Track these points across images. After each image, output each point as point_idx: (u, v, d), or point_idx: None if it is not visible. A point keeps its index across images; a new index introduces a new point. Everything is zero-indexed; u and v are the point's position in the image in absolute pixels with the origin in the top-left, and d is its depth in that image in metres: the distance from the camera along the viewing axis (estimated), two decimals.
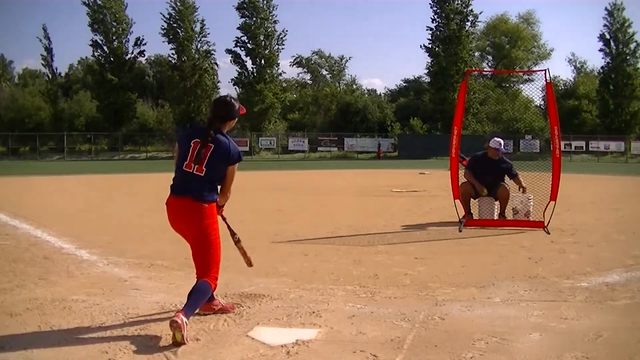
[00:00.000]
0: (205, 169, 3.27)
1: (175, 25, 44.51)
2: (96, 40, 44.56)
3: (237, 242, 3.66)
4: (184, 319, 3.00)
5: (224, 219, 3.61)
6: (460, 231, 6.93)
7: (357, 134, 46.24)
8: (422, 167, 24.69)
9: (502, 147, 7.63)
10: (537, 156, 35.36)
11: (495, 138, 7.80)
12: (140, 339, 3.09)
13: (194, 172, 3.28)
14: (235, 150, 3.38)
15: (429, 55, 47.08)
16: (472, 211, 7.60)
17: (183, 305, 3.15)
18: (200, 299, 3.25)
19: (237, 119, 3.52)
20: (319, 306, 3.70)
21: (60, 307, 3.68)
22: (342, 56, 62.72)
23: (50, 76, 47.34)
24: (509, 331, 3.20)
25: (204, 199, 3.28)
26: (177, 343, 2.97)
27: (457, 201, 7.40)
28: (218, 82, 47.90)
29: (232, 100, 3.50)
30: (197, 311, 3.37)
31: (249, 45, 45.05)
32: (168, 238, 6.02)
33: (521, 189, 7.46)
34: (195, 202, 3.26)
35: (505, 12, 63.30)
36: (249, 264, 3.77)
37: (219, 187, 3.42)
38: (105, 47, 44.76)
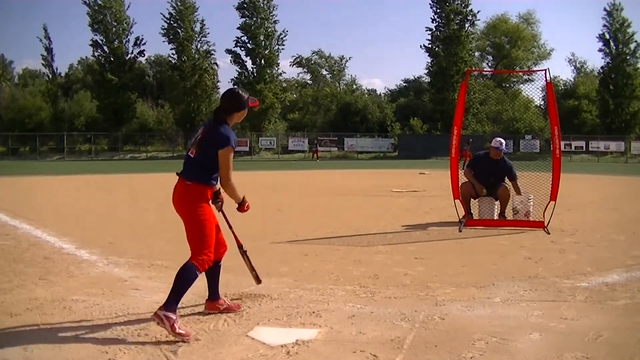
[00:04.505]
0: (195, 151, 3.34)
1: (175, 25, 44.48)
2: (96, 40, 44.54)
3: (243, 253, 3.64)
4: (160, 312, 3.04)
5: (223, 214, 3.57)
6: (460, 231, 6.93)
7: (357, 134, 46.24)
8: (422, 167, 24.68)
9: (503, 146, 7.62)
10: (537, 156, 35.38)
11: (497, 138, 7.78)
12: (140, 339, 3.09)
13: (189, 154, 3.40)
14: (225, 135, 3.28)
15: (429, 55, 47.08)
16: (472, 211, 7.60)
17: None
18: (181, 284, 3.16)
19: (246, 110, 3.45)
20: (319, 306, 3.70)
21: (60, 307, 3.68)
22: (342, 56, 62.81)
23: (50, 76, 47.29)
24: (509, 331, 3.20)
25: (190, 178, 3.31)
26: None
27: (457, 201, 7.40)
28: (218, 82, 47.93)
29: (239, 92, 3.46)
30: (204, 310, 3.53)
31: (249, 45, 45.02)
32: (168, 238, 6.05)
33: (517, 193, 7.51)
34: (183, 182, 3.33)
35: (505, 12, 63.36)
36: (257, 280, 3.73)
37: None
38: (105, 47, 44.70)
